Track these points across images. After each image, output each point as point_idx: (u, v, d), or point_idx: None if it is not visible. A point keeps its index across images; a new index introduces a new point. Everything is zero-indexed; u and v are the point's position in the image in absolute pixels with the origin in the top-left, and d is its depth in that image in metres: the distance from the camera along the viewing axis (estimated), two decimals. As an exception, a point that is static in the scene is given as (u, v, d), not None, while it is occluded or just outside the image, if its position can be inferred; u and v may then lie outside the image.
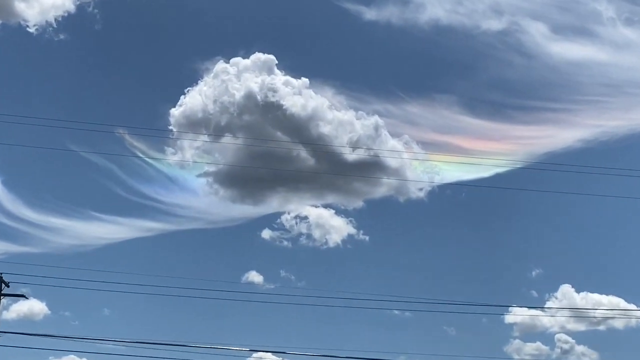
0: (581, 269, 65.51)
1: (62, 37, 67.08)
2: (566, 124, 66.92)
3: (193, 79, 76.81)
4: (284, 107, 57.50)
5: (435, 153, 62.15)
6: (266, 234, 62.67)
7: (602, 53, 67.94)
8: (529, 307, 61.03)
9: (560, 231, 69.39)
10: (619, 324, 56.15)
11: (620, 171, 47.32)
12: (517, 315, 55.85)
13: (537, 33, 68.80)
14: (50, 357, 47.63)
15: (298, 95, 59.19)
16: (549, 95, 70.30)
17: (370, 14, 69.95)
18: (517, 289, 62.54)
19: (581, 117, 66.90)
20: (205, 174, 61.05)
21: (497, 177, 54.03)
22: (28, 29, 63.99)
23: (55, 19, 64.56)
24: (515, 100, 69.88)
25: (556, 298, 59.20)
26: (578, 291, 58.57)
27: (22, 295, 35.24)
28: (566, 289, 58.81)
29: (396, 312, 56.82)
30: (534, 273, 63.09)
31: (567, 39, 69.12)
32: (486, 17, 69.39)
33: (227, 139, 56.74)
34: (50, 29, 65.05)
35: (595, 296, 58.29)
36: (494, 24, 69.15)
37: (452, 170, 57.98)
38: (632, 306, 54.54)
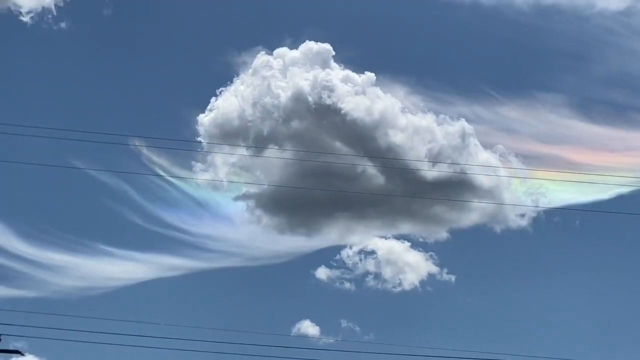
0: None
1: (63, 26, 64.36)
2: None
3: (227, 77, 69.37)
4: (343, 111, 56.33)
5: (540, 169, 60.20)
6: (323, 273, 59.00)
7: None
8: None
9: None
10: None
11: None
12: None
13: None
14: None
15: (361, 95, 57.74)
16: None
17: None
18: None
19: None
20: (244, 197, 59.01)
21: (620, 199, 53.39)
22: (21, 16, 61.26)
23: (55, 4, 62.13)
24: None
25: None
26: None
27: (17, 351, 35.26)
28: None
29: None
30: None
31: None
32: None
33: (272, 152, 55.74)
34: (49, 16, 62.71)
35: None
36: (613, 3, 65.69)
37: (561, 191, 56.37)
38: None
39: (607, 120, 65.63)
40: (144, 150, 55.65)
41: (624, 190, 52.16)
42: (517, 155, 59.90)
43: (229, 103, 58.65)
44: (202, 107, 59.66)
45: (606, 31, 67.57)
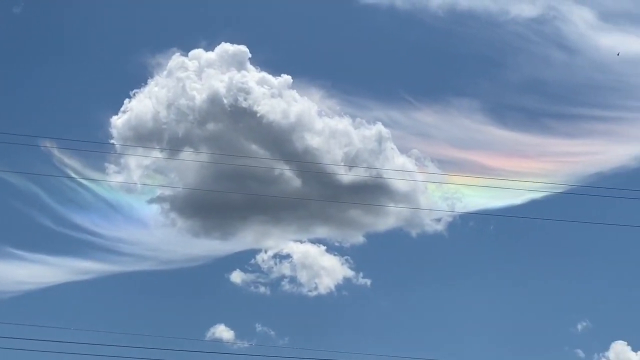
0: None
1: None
2: (619, 137, 64.38)
3: (141, 78, 68.29)
4: (259, 114, 56.30)
5: (455, 174, 60.24)
6: (237, 277, 58.54)
7: None
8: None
9: (613, 273, 63.57)
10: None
11: None
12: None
13: (581, 21, 65.95)
14: None
15: (278, 98, 57.70)
16: (596, 100, 66.55)
17: None
18: (558, 347, 57.37)
19: (638, 128, 64.62)
20: (159, 200, 58.35)
21: (533, 204, 52.97)
22: None
23: (-46, -2, 61.59)
24: (554, 107, 66.83)
25: (607, 359, 55.09)
26: (635, 349, 54.18)
27: None
28: (620, 347, 54.56)
29: (404, 375, 53.39)
30: (579, 327, 58.04)
31: (619, 29, 65.92)
32: (516, 0, 66.30)
33: (186, 155, 55.45)
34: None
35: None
36: (527, 10, 66.47)
37: (476, 196, 55.93)
38: None
39: (520, 126, 65.95)
40: (55, 152, 54.52)
41: (537, 195, 52.36)
42: (432, 160, 59.81)
43: (143, 105, 58.22)
44: (116, 108, 59.16)
45: (520, 37, 68.08)
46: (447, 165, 61.93)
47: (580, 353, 56.71)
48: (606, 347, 55.33)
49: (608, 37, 65.64)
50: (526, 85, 68.60)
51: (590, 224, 55.11)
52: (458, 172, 59.91)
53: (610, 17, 66.99)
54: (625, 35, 65.72)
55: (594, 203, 54.27)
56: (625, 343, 54.39)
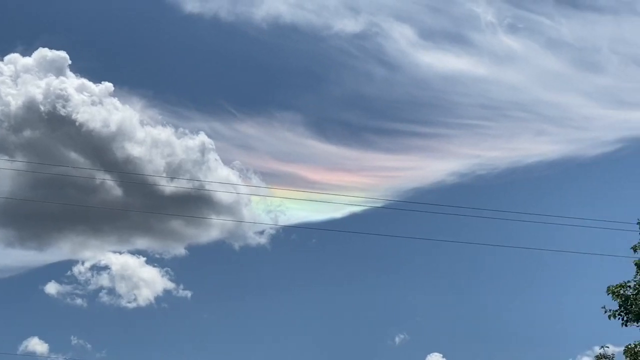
0: (454, 335, 60.71)
1: None
2: (437, 153, 65.78)
3: None
4: (78, 122, 55.48)
5: (278, 186, 61.19)
6: (52, 288, 57.61)
7: (480, 66, 66.51)
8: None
9: (429, 287, 64.59)
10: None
11: (501, 214, 42.17)
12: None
13: (402, 38, 66.50)
14: None
15: (98, 106, 57.11)
16: (416, 116, 68.04)
17: (192, 4, 65.76)
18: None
19: (455, 144, 65.58)
20: None
21: (353, 217, 53.82)
22: None
23: None
24: (375, 122, 67.83)
25: (424, 371, 56.62)
26: (450, 362, 56.83)
27: None
28: (435, 359, 55.14)
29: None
30: (397, 339, 58.37)
31: (438, 47, 67.42)
32: (339, 16, 66.54)
33: (1, 162, 52.74)
34: None
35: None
36: (350, 25, 66.51)
37: (298, 209, 55.72)
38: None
39: (342, 140, 66.86)
40: None
41: (357, 209, 53.02)
42: (256, 172, 60.77)
43: (-47, 110, 57.56)
44: None
45: (342, 52, 68.78)
46: (270, 178, 63.07)
47: (397, 365, 59.31)
48: (422, 359, 55.93)
49: (427, 54, 67.38)
50: (348, 99, 69.63)
51: (409, 238, 57.48)
52: (281, 185, 60.61)
53: (430, 35, 68.97)
54: (444, 53, 67.17)
55: (412, 218, 54.57)
56: (441, 355, 55.14)
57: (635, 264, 24.15)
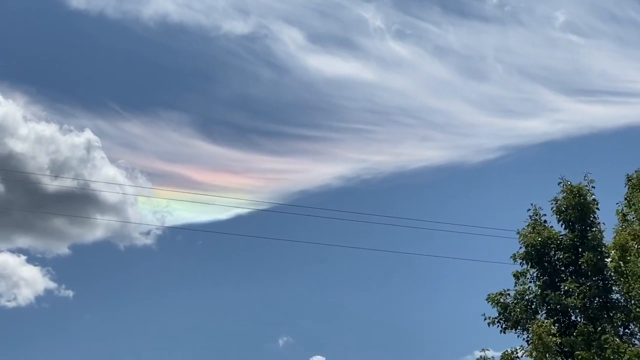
0: (338, 338, 60.29)
1: None
2: (323, 157, 65.64)
3: None
4: None
5: (164, 187, 61.54)
6: None
7: (367, 71, 66.59)
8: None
9: (313, 290, 64.66)
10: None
11: (386, 219, 44.13)
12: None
13: (290, 41, 66.11)
14: None
15: None
16: (303, 119, 68.15)
17: (77, 0, 63.90)
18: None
19: (341, 148, 65.49)
20: None
21: (238, 219, 52.85)
22: None
23: None
24: (262, 124, 67.59)
25: (307, 373, 57.33)
26: (333, 365, 56.38)
27: None
28: None
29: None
30: (281, 342, 58.33)
31: (326, 51, 66.98)
32: (228, 17, 66.29)
33: None
34: None
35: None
36: (238, 26, 65.97)
37: (183, 210, 55.21)
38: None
39: (228, 142, 66.62)
40: None
41: (243, 211, 52.65)
42: (142, 172, 60.56)
43: None
44: None
45: (230, 54, 68.50)
46: (155, 178, 62.74)
47: (279, 368, 58.73)
48: (306, 362, 56.53)
49: (315, 58, 67.04)
50: (235, 101, 69.22)
51: (294, 242, 57.59)
52: (166, 186, 60.61)
53: (318, 39, 68.79)
54: (332, 57, 67.06)
55: (297, 220, 56.57)
56: (324, 358, 54.94)
57: (514, 275, 24.78)
